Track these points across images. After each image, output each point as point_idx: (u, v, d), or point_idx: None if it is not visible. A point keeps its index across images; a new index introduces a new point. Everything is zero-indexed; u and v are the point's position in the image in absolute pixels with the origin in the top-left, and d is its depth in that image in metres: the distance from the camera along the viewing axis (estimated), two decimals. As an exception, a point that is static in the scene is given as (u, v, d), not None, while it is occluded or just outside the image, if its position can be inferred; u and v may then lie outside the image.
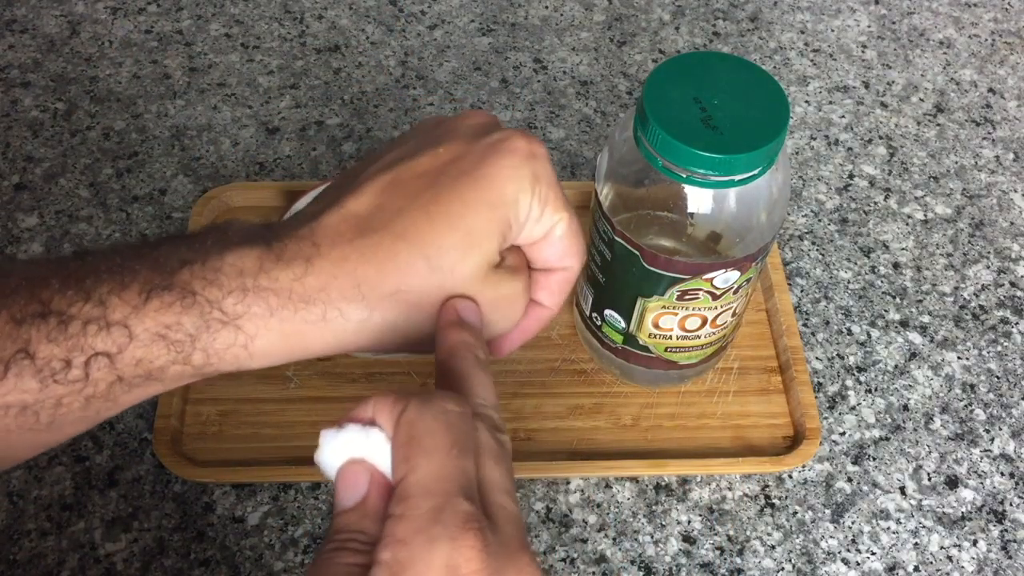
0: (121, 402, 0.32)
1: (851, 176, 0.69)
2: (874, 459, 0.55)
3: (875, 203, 0.67)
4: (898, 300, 0.62)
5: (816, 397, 0.56)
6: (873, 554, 0.51)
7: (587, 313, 0.53)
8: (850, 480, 0.54)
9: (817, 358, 0.59)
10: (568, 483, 0.53)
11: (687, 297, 0.47)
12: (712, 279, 0.46)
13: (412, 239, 0.33)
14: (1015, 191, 0.68)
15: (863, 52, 0.77)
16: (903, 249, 0.64)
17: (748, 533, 0.51)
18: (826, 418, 0.56)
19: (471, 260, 0.33)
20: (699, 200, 0.44)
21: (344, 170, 0.38)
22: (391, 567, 0.26)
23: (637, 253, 0.46)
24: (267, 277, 0.32)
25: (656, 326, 0.50)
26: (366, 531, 0.28)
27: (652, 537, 0.51)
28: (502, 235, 0.34)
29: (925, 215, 0.66)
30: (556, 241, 0.37)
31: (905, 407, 0.57)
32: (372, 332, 0.33)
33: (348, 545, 0.28)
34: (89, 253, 0.33)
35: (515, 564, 0.27)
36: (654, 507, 0.52)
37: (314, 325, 0.32)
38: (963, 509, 0.53)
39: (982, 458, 0.55)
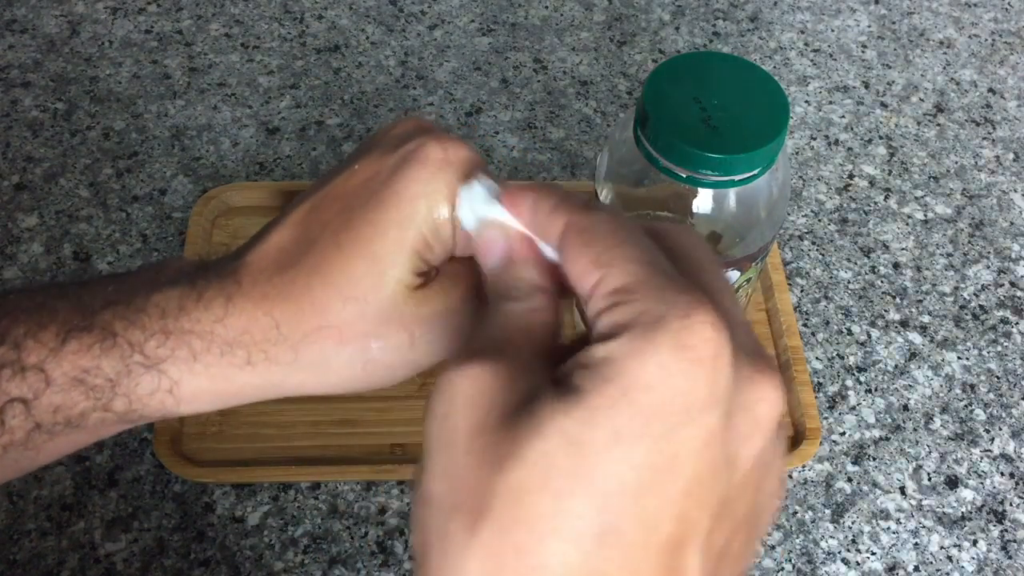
0: (46, 451, 0.31)
1: (851, 176, 0.69)
2: (874, 459, 0.55)
3: (875, 203, 0.67)
4: (898, 300, 0.62)
5: (816, 397, 0.56)
6: (873, 554, 0.51)
7: (587, 313, 0.53)
8: (850, 480, 0.54)
9: (817, 358, 0.59)
10: (568, 483, 0.53)
11: (687, 297, 0.47)
12: (712, 279, 0.46)
13: (325, 273, 0.31)
14: (1015, 191, 0.68)
15: (863, 52, 0.77)
16: (903, 249, 0.64)
17: (748, 533, 0.51)
18: (826, 418, 0.56)
19: (384, 287, 0.31)
20: (699, 200, 0.44)
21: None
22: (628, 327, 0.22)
23: (637, 253, 0.46)
24: (188, 318, 0.30)
25: (656, 326, 0.50)
26: (525, 279, 0.27)
27: (652, 537, 0.51)
28: (416, 255, 0.31)
29: (925, 215, 0.66)
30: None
31: (905, 407, 0.57)
32: (302, 372, 0.31)
33: (510, 293, 0.27)
34: (12, 292, 0.31)
35: (754, 376, 0.23)
36: (654, 507, 0.52)
37: (240, 369, 0.31)
38: (963, 509, 0.53)
39: (982, 458, 0.55)
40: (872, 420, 0.56)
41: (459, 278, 0.34)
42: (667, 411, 0.21)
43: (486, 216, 0.29)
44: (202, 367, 0.30)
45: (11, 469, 0.31)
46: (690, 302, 0.22)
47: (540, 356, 0.25)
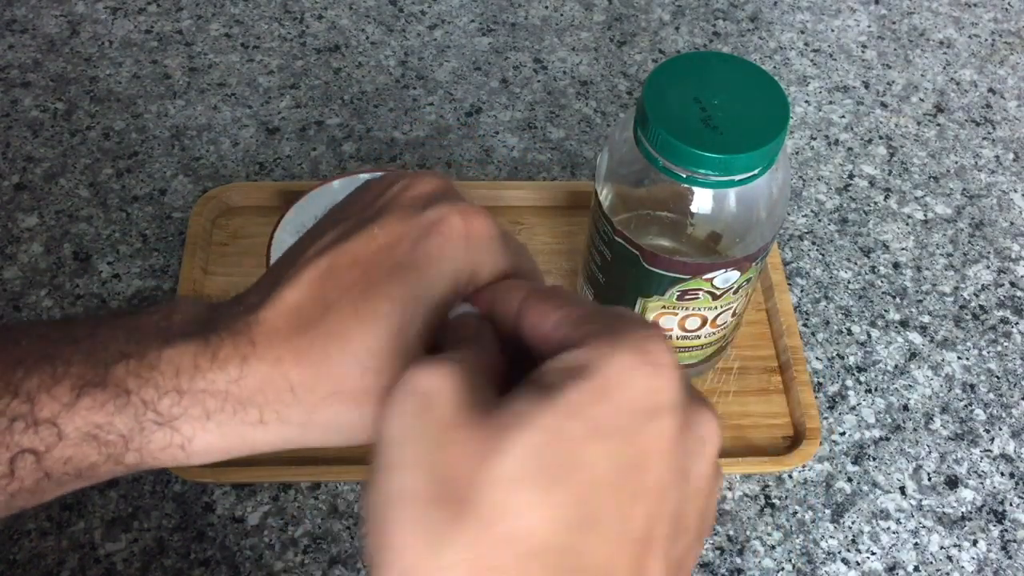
0: (50, 494, 0.31)
1: (851, 176, 0.69)
2: (874, 459, 0.55)
3: (875, 203, 0.67)
4: (898, 300, 0.62)
5: (816, 397, 0.56)
6: (873, 554, 0.51)
7: (587, 313, 0.53)
8: (850, 480, 0.54)
9: (817, 358, 0.59)
10: (568, 483, 0.53)
11: (687, 297, 0.47)
12: (712, 279, 0.46)
13: (343, 341, 0.31)
14: (1015, 191, 0.68)
15: (863, 52, 0.77)
16: (903, 249, 0.64)
17: (748, 533, 0.51)
18: (826, 418, 0.56)
19: (403, 358, 0.31)
20: (699, 200, 0.44)
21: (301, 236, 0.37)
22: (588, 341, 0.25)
23: (637, 253, 0.46)
24: (203, 379, 0.30)
25: (656, 326, 0.50)
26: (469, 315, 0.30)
27: (652, 537, 0.51)
28: (433, 328, 0.32)
29: (925, 215, 0.66)
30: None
31: (905, 407, 0.57)
32: (316, 431, 0.31)
33: (462, 320, 0.30)
34: (23, 333, 0.31)
35: (701, 403, 0.26)
36: (654, 507, 0.52)
37: (252, 427, 0.31)
38: (963, 509, 0.53)
39: (982, 458, 0.55)
40: (872, 420, 0.56)
41: None
42: (637, 407, 0.23)
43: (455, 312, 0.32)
44: (215, 425, 0.30)
45: (14, 508, 0.31)
46: (643, 322, 0.25)
47: (497, 362, 0.27)
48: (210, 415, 0.30)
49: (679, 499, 0.24)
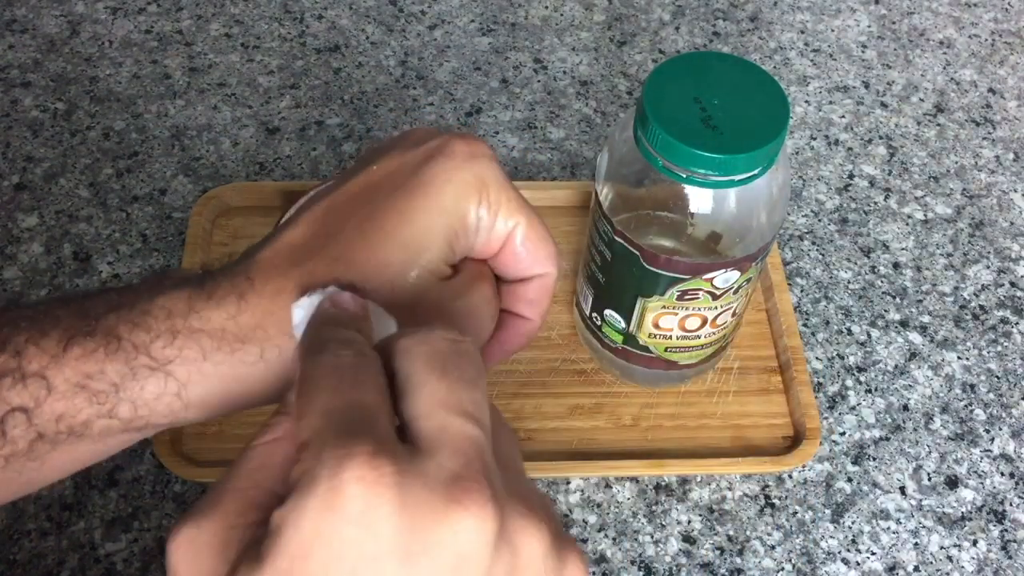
0: (50, 463, 0.30)
1: (851, 176, 0.69)
2: (874, 459, 0.55)
3: (875, 203, 0.67)
4: (898, 300, 0.62)
5: (816, 397, 0.56)
6: (873, 554, 0.51)
7: (587, 313, 0.53)
8: (850, 480, 0.54)
9: (817, 358, 0.59)
10: (568, 483, 0.53)
11: (687, 297, 0.47)
12: (712, 279, 0.46)
13: (348, 261, 0.30)
14: (1015, 191, 0.68)
15: (863, 52, 0.77)
16: (903, 249, 0.64)
17: (748, 533, 0.51)
18: (826, 418, 0.56)
19: (411, 273, 0.31)
20: (699, 200, 0.44)
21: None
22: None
23: (637, 253, 0.46)
24: (198, 317, 0.29)
25: (656, 326, 0.50)
26: (287, 402, 0.26)
27: (652, 537, 0.51)
28: (447, 244, 0.31)
29: (925, 215, 0.66)
30: (518, 248, 0.33)
31: (905, 407, 0.57)
32: None
33: (269, 421, 0.26)
34: (15, 305, 0.30)
35: (444, 508, 0.21)
36: (654, 507, 0.52)
37: (252, 367, 0.30)
38: (963, 509, 0.53)
39: (982, 458, 0.55)
40: (872, 420, 0.56)
41: (483, 276, 0.34)
42: (337, 568, 0.21)
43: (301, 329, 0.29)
44: (211, 366, 0.29)
45: (16, 484, 0.30)
46: (341, 458, 0.21)
47: (262, 504, 0.24)
48: (206, 355, 0.29)
49: None
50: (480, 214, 0.32)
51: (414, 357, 0.25)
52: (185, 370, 0.29)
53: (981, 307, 0.62)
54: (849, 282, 0.62)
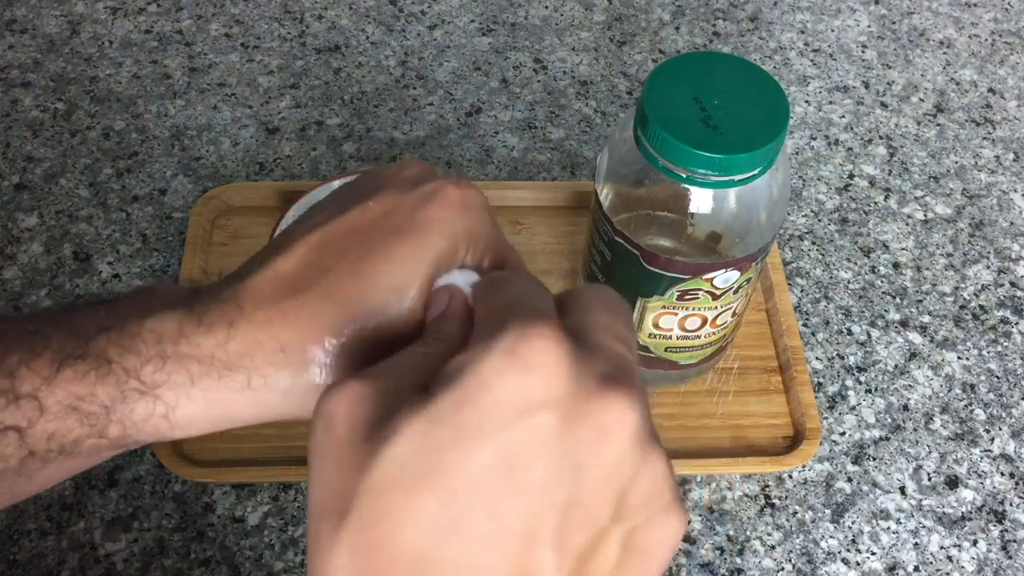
0: (39, 478, 0.31)
1: (851, 176, 0.69)
2: (874, 459, 0.55)
3: (875, 203, 0.67)
4: (898, 300, 0.62)
5: (816, 397, 0.56)
6: (873, 554, 0.51)
7: (587, 313, 0.53)
8: (850, 480, 0.54)
9: (817, 358, 0.59)
10: (568, 483, 0.53)
11: (687, 297, 0.47)
12: (712, 279, 0.46)
13: (339, 300, 0.31)
14: (1015, 191, 0.68)
15: (863, 52, 0.77)
16: (903, 249, 0.64)
17: (748, 533, 0.51)
18: (826, 418, 0.56)
19: (397, 317, 0.32)
20: (699, 200, 0.44)
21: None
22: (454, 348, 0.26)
23: (637, 253, 0.46)
24: (188, 343, 0.30)
25: (656, 326, 0.50)
26: (444, 329, 0.29)
27: (652, 537, 0.51)
28: (428, 288, 0.32)
29: (925, 215, 0.66)
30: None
31: (905, 407, 0.57)
32: (300, 397, 0.31)
33: (426, 339, 0.29)
34: (3, 319, 0.31)
35: (599, 389, 0.25)
36: (654, 507, 0.52)
37: (238, 393, 0.30)
38: (963, 509, 0.53)
39: (982, 458, 0.55)
40: (872, 420, 0.56)
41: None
42: (502, 410, 0.23)
43: (443, 280, 0.32)
44: (199, 392, 0.30)
45: (4, 496, 0.31)
46: (529, 321, 0.24)
47: (418, 388, 0.26)
48: (194, 380, 0.30)
49: (571, 491, 0.24)
50: (465, 262, 0.34)
51: (590, 292, 0.29)
52: (173, 394, 0.30)
53: (981, 307, 0.62)
54: (849, 282, 0.62)
